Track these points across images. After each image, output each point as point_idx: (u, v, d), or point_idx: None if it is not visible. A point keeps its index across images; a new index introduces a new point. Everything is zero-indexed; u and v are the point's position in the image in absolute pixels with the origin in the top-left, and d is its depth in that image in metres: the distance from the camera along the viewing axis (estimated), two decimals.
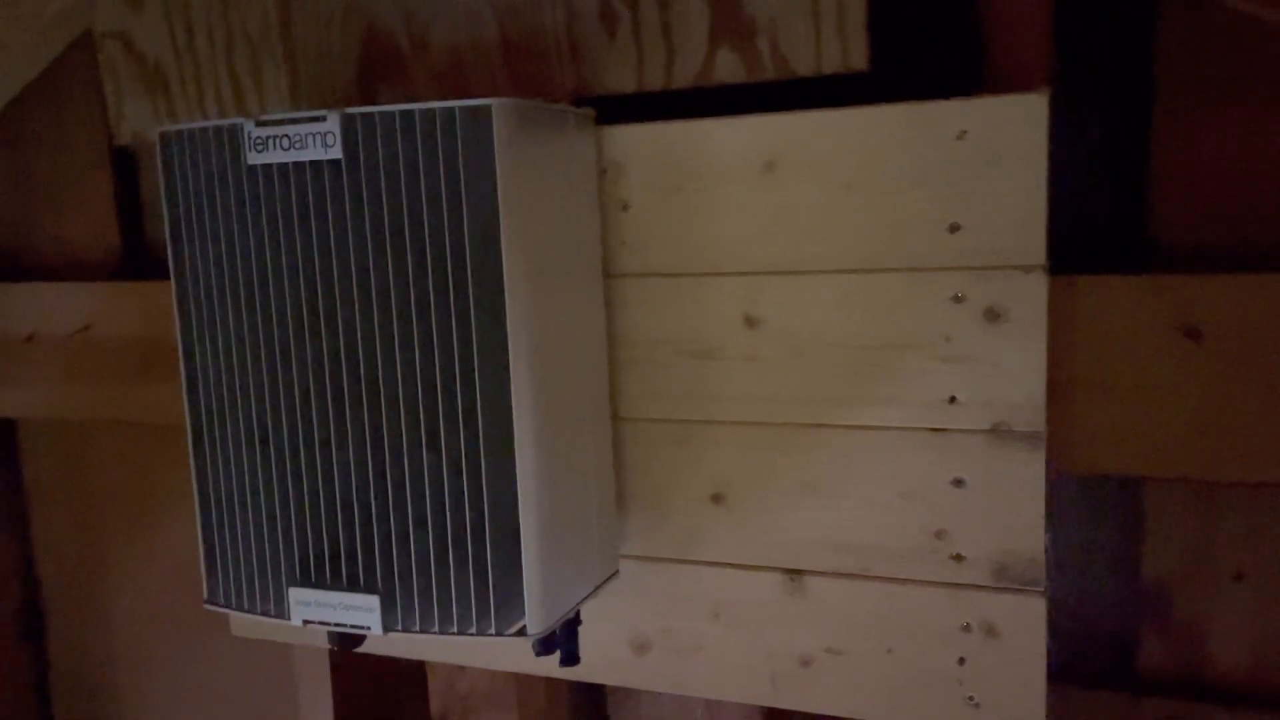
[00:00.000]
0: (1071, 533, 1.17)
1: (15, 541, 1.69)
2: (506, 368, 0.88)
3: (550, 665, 1.07)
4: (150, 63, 1.33)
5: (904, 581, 1.01)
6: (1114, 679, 1.18)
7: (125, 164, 1.47)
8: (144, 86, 1.34)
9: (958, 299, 0.95)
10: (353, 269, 0.90)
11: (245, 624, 1.31)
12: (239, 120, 0.92)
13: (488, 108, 0.85)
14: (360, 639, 1.00)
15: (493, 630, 0.91)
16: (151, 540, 1.61)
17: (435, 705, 1.41)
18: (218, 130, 0.93)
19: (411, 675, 1.51)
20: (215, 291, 0.97)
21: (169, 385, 1.40)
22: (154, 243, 1.49)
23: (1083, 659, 1.19)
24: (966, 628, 0.99)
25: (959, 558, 0.99)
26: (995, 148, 0.92)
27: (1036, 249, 0.92)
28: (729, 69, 1.06)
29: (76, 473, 1.65)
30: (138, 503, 1.61)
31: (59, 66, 1.46)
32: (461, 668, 1.40)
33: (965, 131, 0.93)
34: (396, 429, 0.91)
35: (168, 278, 1.01)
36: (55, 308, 1.47)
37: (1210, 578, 1.12)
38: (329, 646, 1.04)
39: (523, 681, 1.39)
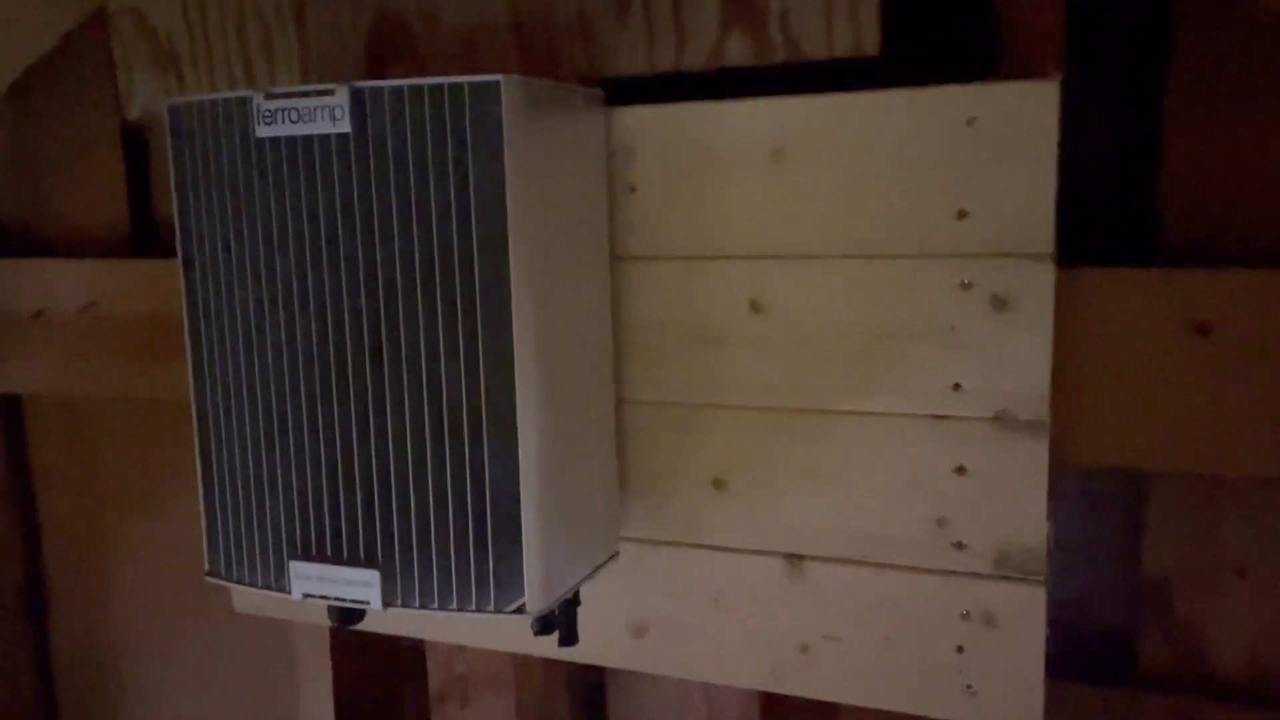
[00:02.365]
0: (1073, 525, 1.16)
1: (20, 518, 1.70)
2: (511, 345, 0.88)
3: (548, 645, 1.07)
4: (162, 39, 1.33)
5: (904, 569, 1.01)
6: (1115, 674, 1.17)
7: (135, 141, 1.47)
8: (155, 63, 1.35)
9: (964, 286, 0.95)
10: (359, 243, 0.90)
11: (247, 599, 1.32)
12: (248, 92, 0.92)
13: (496, 83, 0.85)
14: (360, 615, 1.00)
15: (492, 608, 0.91)
16: (156, 518, 1.62)
17: (433, 685, 1.42)
18: (226, 102, 0.93)
19: (410, 656, 1.51)
20: (222, 264, 0.97)
21: (175, 363, 1.39)
22: (162, 220, 1.49)
23: (1084, 654, 1.19)
24: (966, 616, 0.99)
25: (960, 546, 0.98)
26: (1006, 135, 0.92)
27: (1045, 237, 0.92)
28: (740, 52, 1.05)
29: (82, 450, 1.66)
30: (143, 480, 1.62)
31: (70, 42, 1.46)
32: (460, 648, 1.40)
33: (975, 118, 0.92)
34: (400, 405, 0.91)
35: (175, 255, 1.01)
36: (62, 285, 1.47)
37: (1212, 573, 1.11)
38: (329, 624, 1.04)
39: (520, 663, 1.39)
